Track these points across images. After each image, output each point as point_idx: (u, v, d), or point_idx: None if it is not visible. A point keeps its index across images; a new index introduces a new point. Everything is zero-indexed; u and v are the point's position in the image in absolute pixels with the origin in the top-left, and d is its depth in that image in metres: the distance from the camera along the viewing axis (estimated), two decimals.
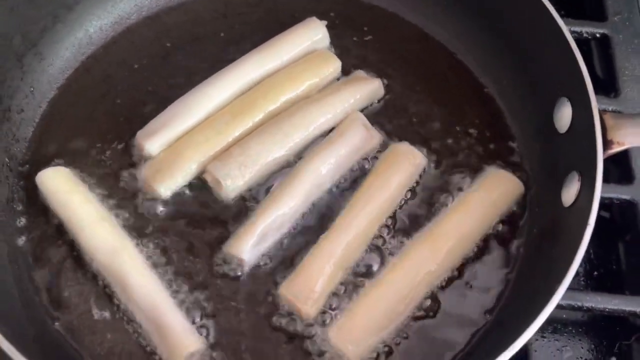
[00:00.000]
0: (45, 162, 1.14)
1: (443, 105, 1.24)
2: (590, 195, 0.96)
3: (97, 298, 1.04)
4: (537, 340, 1.11)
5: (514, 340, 0.87)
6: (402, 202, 1.14)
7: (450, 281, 1.07)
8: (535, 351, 1.10)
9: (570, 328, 1.13)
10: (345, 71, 1.25)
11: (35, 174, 1.11)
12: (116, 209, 1.11)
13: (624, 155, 1.21)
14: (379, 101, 1.24)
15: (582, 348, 1.12)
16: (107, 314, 1.03)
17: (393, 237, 1.11)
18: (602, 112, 1.02)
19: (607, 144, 1.00)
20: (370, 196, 1.10)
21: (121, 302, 1.03)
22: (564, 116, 1.10)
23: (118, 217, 1.10)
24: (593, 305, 1.06)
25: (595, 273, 1.19)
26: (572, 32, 1.10)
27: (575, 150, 1.06)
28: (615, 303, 1.07)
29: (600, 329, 1.14)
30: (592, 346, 1.12)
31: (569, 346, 1.12)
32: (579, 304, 1.06)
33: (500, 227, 1.12)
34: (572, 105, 1.08)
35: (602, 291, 1.11)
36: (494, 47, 1.26)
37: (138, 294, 1.01)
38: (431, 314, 1.05)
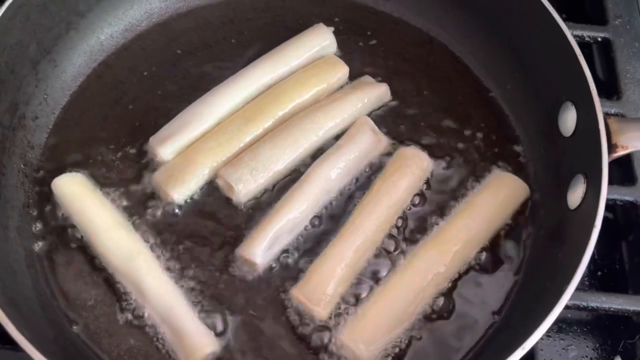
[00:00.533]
0: (60, 168, 1.16)
1: (448, 108, 1.26)
2: (596, 198, 0.97)
3: (113, 302, 1.06)
4: (542, 339, 1.11)
5: (524, 340, 0.88)
6: (410, 205, 1.15)
7: (457, 282, 1.09)
8: (541, 350, 1.11)
9: (575, 327, 1.14)
10: (352, 76, 1.27)
11: (50, 179, 1.12)
12: (130, 214, 1.12)
13: (627, 157, 1.22)
14: (385, 105, 1.25)
15: (587, 347, 1.13)
16: (124, 318, 1.05)
17: (402, 239, 1.12)
18: (606, 116, 1.03)
19: (611, 147, 1.01)
20: (379, 200, 1.12)
21: (138, 306, 1.05)
22: (568, 120, 1.11)
23: (132, 222, 1.11)
24: (598, 305, 1.08)
25: (599, 273, 1.20)
26: (573, 36, 1.11)
27: (580, 153, 1.07)
28: (619, 303, 1.08)
29: (604, 328, 1.15)
30: (597, 345, 1.13)
31: (574, 345, 1.13)
32: (584, 303, 1.07)
33: (506, 229, 1.14)
34: (577, 110, 1.09)
35: (606, 291, 1.13)
36: (498, 51, 1.28)
37: (154, 297, 1.02)
38: (440, 315, 1.07)
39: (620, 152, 1.01)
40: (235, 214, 1.14)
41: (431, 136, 1.23)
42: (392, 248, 1.12)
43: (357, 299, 1.07)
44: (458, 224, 1.11)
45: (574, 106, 1.10)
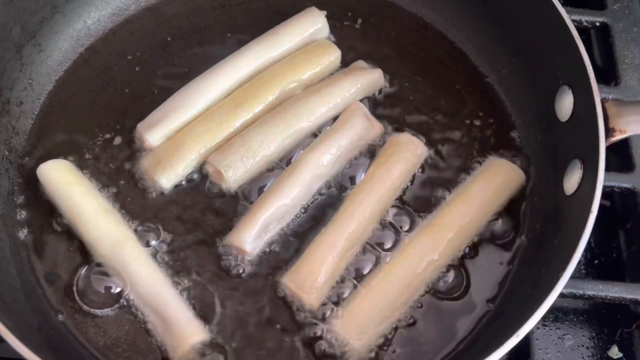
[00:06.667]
0: (46, 155, 1.14)
1: (443, 94, 1.24)
2: (593, 183, 0.96)
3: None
4: (538, 328, 1.11)
5: (518, 328, 0.87)
6: (404, 192, 1.14)
7: (451, 270, 1.07)
8: (537, 339, 1.10)
9: (571, 316, 1.13)
10: (345, 62, 1.25)
11: (36, 166, 1.11)
12: (117, 200, 1.11)
13: (624, 143, 1.21)
14: (379, 91, 1.23)
15: (584, 336, 1.12)
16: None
17: (395, 227, 1.10)
18: (603, 100, 1.01)
19: (609, 132, 0.99)
20: (372, 186, 1.10)
21: (124, 294, 1.03)
22: (565, 104, 1.09)
23: (119, 209, 1.10)
24: (594, 293, 1.07)
25: (596, 261, 1.19)
26: (571, 21, 1.10)
27: (577, 138, 1.06)
28: (616, 291, 1.07)
29: (601, 317, 1.14)
30: (594, 334, 1.12)
31: (570, 334, 1.12)
32: (581, 292, 1.06)
33: (501, 216, 1.12)
34: (574, 94, 1.08)
35: (603, 279, 1.12)
36: (493, 36, 1.26)
37: (141, 285, 1.01)
38: (433, 302, 1.05)
39: (618, 137, 1.00)
40: (225, 201, 1.12)
41: (426, 122, 1.21)
42: (385, 236, 1.10)
43: (350, 288, 1.05)
44: (452, 211, 1.09)
45: (571, 90, 1.09)
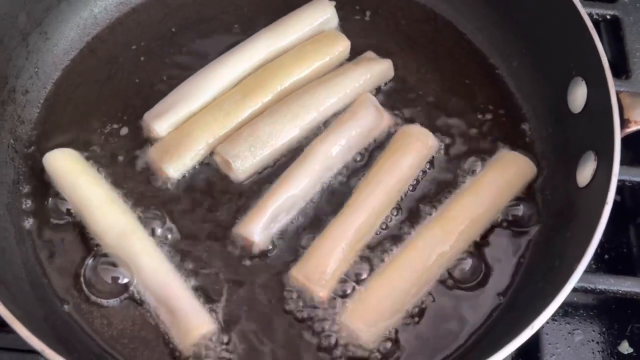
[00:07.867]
0: (52, 144, 1.13)
1: (453, 86, 1.23)
2: (607, 174, 0.95)
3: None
4: (548, 323, 1.09)
5: (532, 320, 0.86)
6: (414, 183, 1.13)
7: (462, 262, 1.06)
8: (547, 334, 1.09)
9: (581, 311, 1.13)
10: (354, 53, 1.23)
11: (41, 155, 1.10)
12: (124, 190, 1.10)
13: (636, 137, 1.19)
14: (389, 82, 1.22)
15: (594, 331, 1.11)
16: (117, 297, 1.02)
17: (405, 218, 1.10)
18: (618, 92, 1.00)
19: (624, 123, 0.99)
20: (382, 178, 1.09)
21: (131, 285, 1.02)
22: (578, 96, 1.08)
23: (126, 199, 1.09)
24: (606, 288, 1.06)
25: (606, 256, 1.18)
26: None
27: (591, 130, 1.05)
28: (628, 285, 1.06)
29: (611, 312, 1.13)
30: (604, 329, 1.12)
31: (580, 329, 1.11)
32: (592, 286, 1.05)
33: (513, 208, 1.11)
34: (587, 85, 1.07)
35: (613, 274, 1.11)
36: (504, 28, 1.25)
37: (148, 276, 1.00)
38: (444, 295, 1.04)
39: (633, 128, 1.00)
40: (233, 192, 1.11)
41: (436, 114, 1.20)
42: (395, 227, 1.09)
43: (359, 279, 1.04)
44: (464, 203, 1.08)
45: (584, 81, 1.08)
